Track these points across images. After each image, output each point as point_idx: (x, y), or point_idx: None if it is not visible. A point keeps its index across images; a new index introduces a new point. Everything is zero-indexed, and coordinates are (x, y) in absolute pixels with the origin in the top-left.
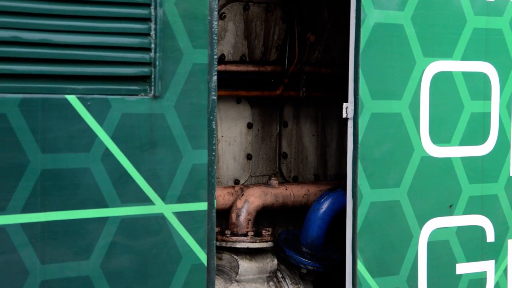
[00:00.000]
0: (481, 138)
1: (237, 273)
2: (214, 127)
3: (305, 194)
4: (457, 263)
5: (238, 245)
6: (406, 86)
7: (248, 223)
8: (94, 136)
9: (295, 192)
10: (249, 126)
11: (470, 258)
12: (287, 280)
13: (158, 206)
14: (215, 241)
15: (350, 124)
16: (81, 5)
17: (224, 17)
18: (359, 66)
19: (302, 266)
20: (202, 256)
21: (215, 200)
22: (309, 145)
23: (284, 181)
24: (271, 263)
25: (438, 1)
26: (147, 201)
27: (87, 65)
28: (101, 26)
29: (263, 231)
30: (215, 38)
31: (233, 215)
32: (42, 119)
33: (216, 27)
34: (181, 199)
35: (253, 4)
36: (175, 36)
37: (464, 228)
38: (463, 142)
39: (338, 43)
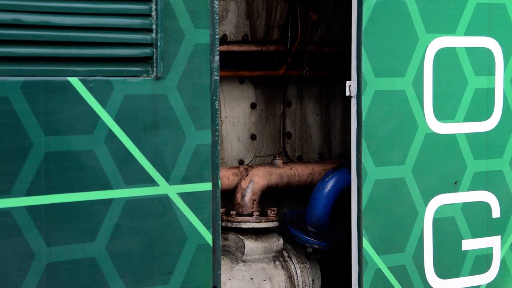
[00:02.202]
0: (485, 114)
1: (243, 253)
2: (217, 107)
3: (309, 174)
4: (463, 239)
5: (244, 225)
6: (409, 63)
7: (253, 203)
8: (97, 118)
9: (299, 172)
10: (253, 106)
11: (476, 234)
12: (293, 259)
13: (163, 187)
14: (220, 222)
15: (353, 102)
16: None
17: None
18: (362, 44)
19: (308, 245)
20: (208, 237)
21: (219, 180)
22: (313, 124)
23: (288, 160)
24: (277, 242)
25: None
26: (151, 182)
27: (88, 47)
28: (102, 7)
29: (268, 211)
30: (217, 18)
31: (238, 196)
32: (45, 102)
33: (217, 6)
34: (185, 180)
35: None
36: (176, 16)
37: (469, 204)
38: (468, 118)
39: (340, 21)
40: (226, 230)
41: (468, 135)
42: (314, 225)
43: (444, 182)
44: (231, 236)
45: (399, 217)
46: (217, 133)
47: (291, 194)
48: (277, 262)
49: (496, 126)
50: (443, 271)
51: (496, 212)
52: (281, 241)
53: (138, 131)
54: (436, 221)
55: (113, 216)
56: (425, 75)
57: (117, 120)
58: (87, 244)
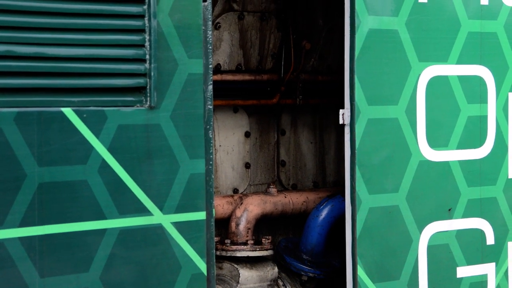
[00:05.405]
0: (478, 141)
1: (238, 282)
2: (210, 136)
3: (304, 202)
4: (457, 266)
5: (238, 254)
6: (402, 91)
7: (247, 232)
8: (90, 148)
9: (294, 200)
10: (247, 135)
11: (470, 261)
12: None
13: (157, 217)
14: (214, 250)
15: (347, 130)
16: (74, 18)
17: (219, 27)
18: (355, 73)
19: (303, 273)
20: (202, 266)
21: (213, 209)
22: (307, 152)
23: (283, 189)
24: (272, 271)
25: (432, 6)
26: (145, 212)
27: (82, 77)
28: (96, 38)
29: (263, 239)
30: (210, 48)
31: (233, 224)
32: (38, 133)
33: (210, 36)
34: (179, 209)
35: (247, 14)
36: (169, 46)
37: (463, 231)
38: (461, 146)
39: (333, 50)
40: (220, 259)
41: (462, 163)
42: (309, 253)
43: (438, 210)
44: (226, 265)
45: (393, 244)
46: (211, 162)
47: (286, 222)
48: None
49: (489, 154)
50: None
51: (490, 239)
52: (276, 269)
53: (131, 161)
54: (430, 249)
55: (107, 246)
56: (418, 103)
57: (110, 150)
58: (81, 275)
